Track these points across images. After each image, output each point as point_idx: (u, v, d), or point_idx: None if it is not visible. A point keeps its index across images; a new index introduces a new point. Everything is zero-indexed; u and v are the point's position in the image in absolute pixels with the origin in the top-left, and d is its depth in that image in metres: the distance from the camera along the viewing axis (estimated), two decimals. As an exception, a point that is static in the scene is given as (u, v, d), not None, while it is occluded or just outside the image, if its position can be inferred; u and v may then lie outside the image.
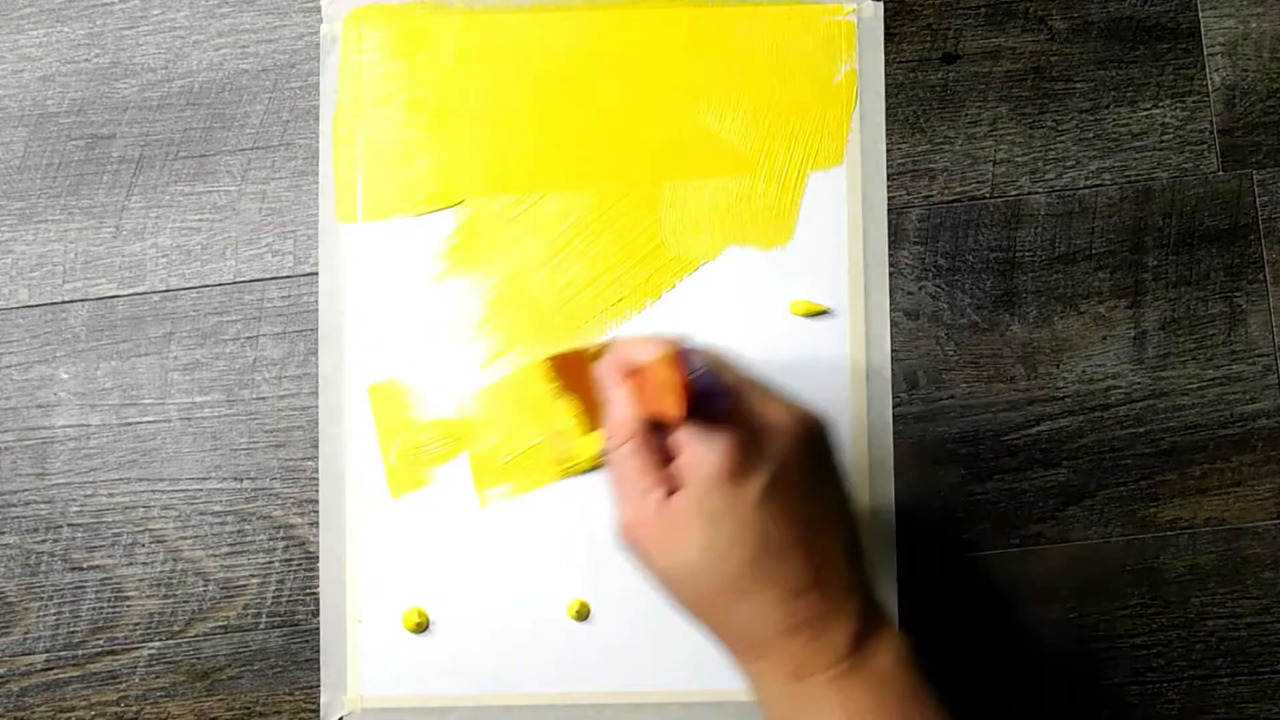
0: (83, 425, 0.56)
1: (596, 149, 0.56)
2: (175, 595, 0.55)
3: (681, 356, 0.42)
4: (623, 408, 0.44)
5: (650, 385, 0.42)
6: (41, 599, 0.55)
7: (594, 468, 0.54)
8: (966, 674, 0.55)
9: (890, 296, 0.56)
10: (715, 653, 0.54)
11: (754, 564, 0.41)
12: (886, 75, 0.57)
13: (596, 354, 0.47)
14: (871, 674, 0.42)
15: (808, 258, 0.56)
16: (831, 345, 0.55)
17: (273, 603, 0.55)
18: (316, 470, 0.55)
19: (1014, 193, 0.57)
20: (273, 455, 0.56)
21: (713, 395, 0.42)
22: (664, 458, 0.43)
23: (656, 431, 0.43)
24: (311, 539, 0.55)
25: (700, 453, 0.41)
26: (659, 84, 0.57)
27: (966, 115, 0.57)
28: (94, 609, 0.55)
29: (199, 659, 0.55)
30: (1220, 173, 0.57)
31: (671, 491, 0.42)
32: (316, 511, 0.55)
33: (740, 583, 0.41)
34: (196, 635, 0.55)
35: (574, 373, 0.49)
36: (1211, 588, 0.55)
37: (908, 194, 0.57)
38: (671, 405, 0.41)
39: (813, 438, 0.43)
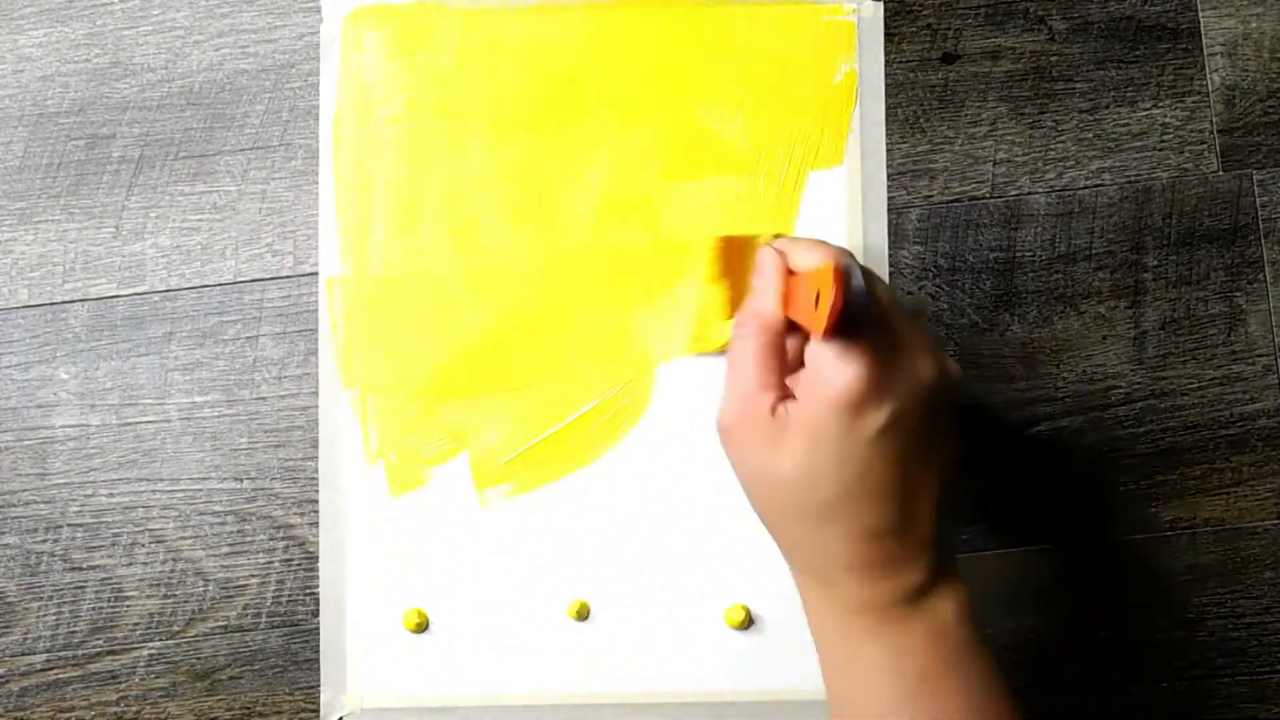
0: (83, 425, 0.56)
1: (596, 149, 0.56)
2: (175, 595, 0.55)
3: (845, 274, 0.40)
4: (765, 300, 0.43)
5: (803, 290, 0.41)
6: (41, 599, 0.55)
7: (719, 351, 0.52)
8: (966, 674, 0.55)
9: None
10: (714, 653, 0.54)
11: (843, 497, 0.41)
12: (886, 75, 0.57)
13: (764, 244, 0.47)
14: (928, 622, 0.42)
15: (808, 258, 0.56)
16: (831, 345, 0.55)
17: (273, 603, 0.55)
18: (316, 470, 0.55)
19: (1014, 193, 0.57)
20: (273, 455, 0.56)
21: (861, 319, 0.40)
22: (786, 363, 0.43)
23: (789, 334, 0.43)
24: (311, 539, 0.55)
25: (830, 374, 0.40)
26: (659, 84, 0.57)
27: (966, 115, 0.57)
28: (94, 609, 0.55)
29: (199, 659, 0.55)
30: (1220, 173, 0.57)
31: (783, 399, 0.42)
32: (316, 511, 0.55)
33: (824, 510, 0.41)
34: (196, 635, 0.55)
35: (736, 260, 0.50)
36: (1211, 588, 0.55)
37: (908, 194, 0.57)
38: (818, 321, 0.39)
39: (943, 389, 0.42)
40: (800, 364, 0.43)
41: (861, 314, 0.40)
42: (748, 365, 0.43)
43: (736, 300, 0.50)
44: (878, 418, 0.40)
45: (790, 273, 0.44)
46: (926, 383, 0.42)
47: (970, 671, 0.42)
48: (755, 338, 0.43)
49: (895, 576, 0.42)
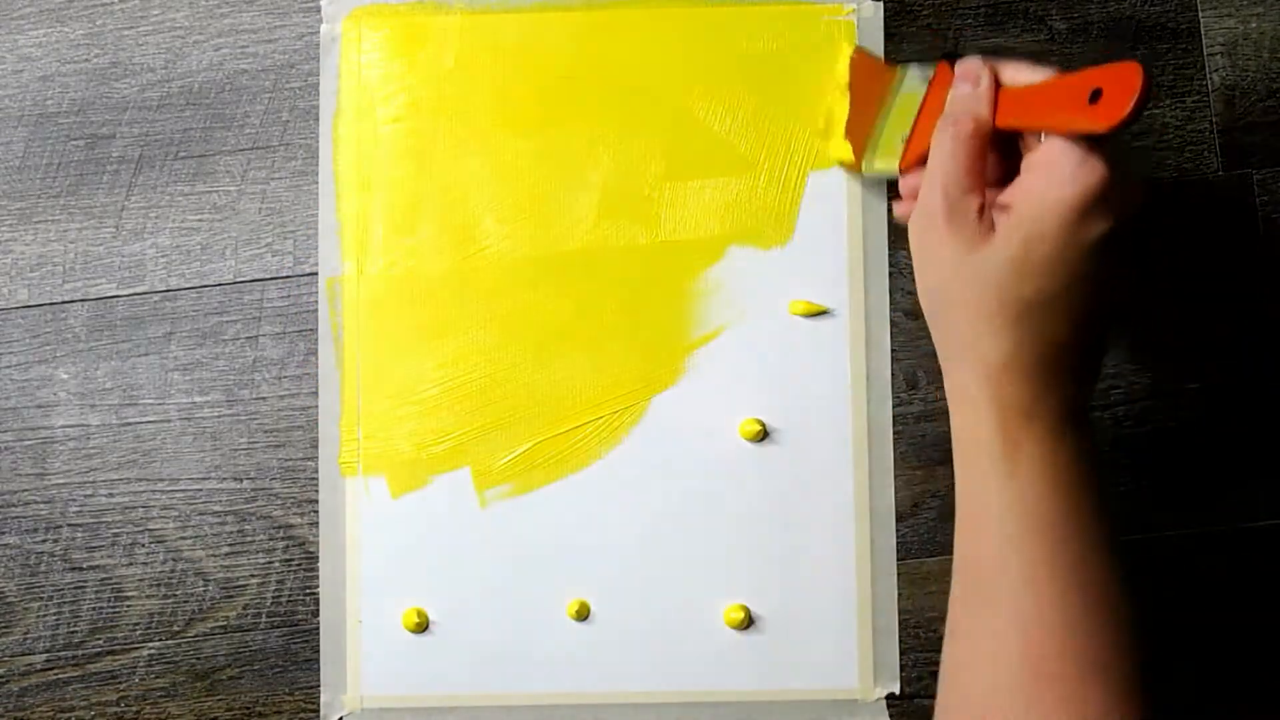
0: (83, 425, 0.56)
1: (597, 149, 0.56)
2: (175, 595, 0.55)
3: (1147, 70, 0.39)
4: (979, 104, 0.43)
5: (1060, 93, 0.41)
6: (41, 599, 0.55)
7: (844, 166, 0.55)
8: (966, 674, 0.55)
9: (890, 296, 0.56)
10: (714, 653, 0.54)
11: (1047, 299, 0.40)
12: (886, 75, 0.57)
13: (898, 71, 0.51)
14: (1078, 448, 0.42)
15: (808, 258, 0.56)
16: (831, 345, 0.55)
17: (273, 603, 0.55)
18: (316, 470, 0.55)
19: (1014, 193, 0.57)
20: (273, 455, 0.56)
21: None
22: (987, 170, 0.43)
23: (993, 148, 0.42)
24: (311, 539, 0.55)
25: (1070, 173, 0.40)
26: (659, 84, 0.57)
27: (966, 115, 0.57)
28: (94, 609, 0.55)
29: (199, 659, 0.55)
30: (1220, 173, 0.57)
31: (985, 205, 0.41)
32: (316, 511, 0.55)
33: (1024, 307, 0.40)
34: (196, 635, 0.55)
35: (866, 79, 0.52)
36: (1212, 587, 0.55)
37: (908, 194, 0.57)
38: (1103, 115, 0.39)
39: (1144, 209, 0.42)
40: (987, 180, 0.42)
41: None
42: (959, 161, 0.42)
43: (856, 119, 0.52)
44: (1100, 227, 0.40)
45: (1005, 89, 0.43)
46: (1140, 200, 0.42)
47: (1099, 516, 0.42)
48: (968, 138, 0.42)
49: (1063, 390, 0.41)
